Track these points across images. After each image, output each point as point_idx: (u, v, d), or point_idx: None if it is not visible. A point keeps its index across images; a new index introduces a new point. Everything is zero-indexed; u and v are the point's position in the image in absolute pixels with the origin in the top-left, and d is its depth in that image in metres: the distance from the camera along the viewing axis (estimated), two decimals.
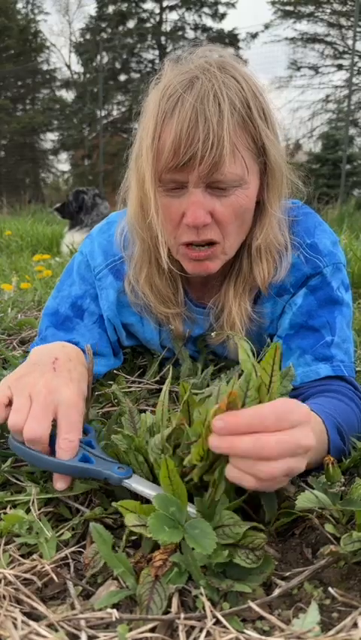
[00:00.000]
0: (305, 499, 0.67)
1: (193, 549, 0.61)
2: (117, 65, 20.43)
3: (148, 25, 20.41)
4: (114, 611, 0.56)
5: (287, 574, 0.65)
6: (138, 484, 0.72)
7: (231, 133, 0.85)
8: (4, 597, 0.60)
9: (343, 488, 0.76)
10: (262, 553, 0.63)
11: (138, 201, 0.98)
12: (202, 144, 0.84)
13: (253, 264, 1.02)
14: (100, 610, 0.58)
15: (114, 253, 1.09)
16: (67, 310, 1.09)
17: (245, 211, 0.94)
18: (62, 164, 22.80)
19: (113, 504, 0.68)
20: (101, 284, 1.09)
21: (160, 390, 1.12)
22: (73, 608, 0.59)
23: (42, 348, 0.92)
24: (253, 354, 1.08)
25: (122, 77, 20.73)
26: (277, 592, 0.61)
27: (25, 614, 0.58)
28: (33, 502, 0.76)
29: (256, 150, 0.92)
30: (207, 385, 1.14)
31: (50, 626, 0.56)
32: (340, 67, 18.25)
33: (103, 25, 21.06)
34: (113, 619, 0.55)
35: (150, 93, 0.95)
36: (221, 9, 20.09)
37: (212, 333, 1.11)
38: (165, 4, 20.24)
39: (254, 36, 19.24)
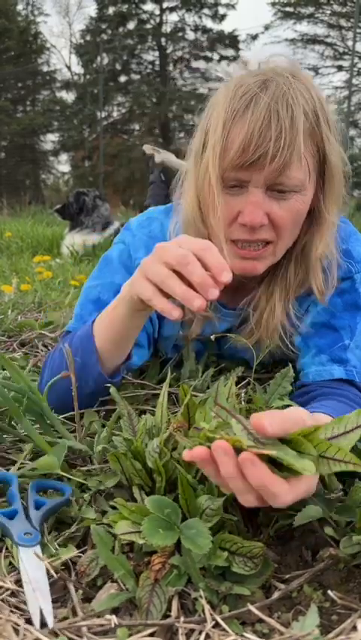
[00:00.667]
0: (303, 516, 0.67)
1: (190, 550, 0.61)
2: (117, 66, 20.45)
3: (148, 26, 20.44)
4: (113, 617, 0.56)
5: (287, 576, 0.65)
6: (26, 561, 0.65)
7: (300, 137, 0.86)
8: (3, 601, 0.60)
9: (340, 494, 0.76)
10: (260, 560, 0.63)
11: (195, 197, 0.98)
12: (273, 144, 0.84)
13: (309, 272, 1.01)
14: (100, 613, 0.58)
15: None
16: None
17: (301, 217, 0.94)
18: (63, 165, 22.88)
19: (109, 518, 0.68)
20: None
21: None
22: (74, 612, 0.59)
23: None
24: None
25: (123, 78, 20.76)
26: (276, 595, 0.61)
27: (26, 620, 0.58)
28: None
29: (318, 158, 0.92)
30: (208, 387, 1.14)
31: (51, 631, 0.56)
32: (340, 68, 18.26)
33: (103, 26, 21.09)
34: (113, 625, 0.55)
35: (218, 91, 0.95)
36: (221, 10, 20.14)
37: (232, 336, 1.11)
38: (165, 5, 20.27)
39: (254, 37, 19.29)
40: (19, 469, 0.87)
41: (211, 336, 1.11)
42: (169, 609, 0.59)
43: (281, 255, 0.99)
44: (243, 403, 1.07)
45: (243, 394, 1.12)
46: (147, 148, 4.72)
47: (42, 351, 1.58)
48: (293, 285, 1.04)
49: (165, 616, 0.58)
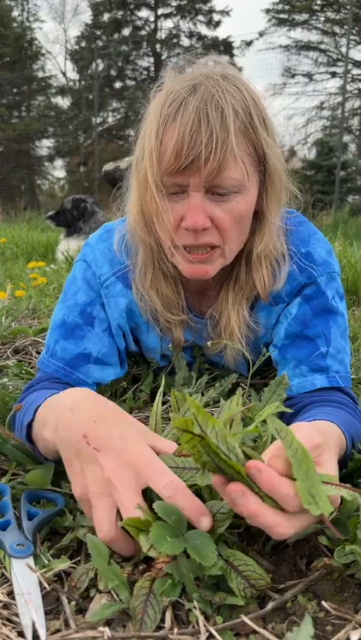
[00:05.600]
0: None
1: (189, 558, 0.61)
2: (112, 73, 20.48)
3: (143, 32, 20.50)
4: (106, 629, 0.55)
5: (281, 586, 0.65)
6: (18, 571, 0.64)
7: (233, 137, 0.86)
8: None
9: None
10: (258, 594, 0.62)
11: (138, 206, 0.98)
12: (205, 147, 0.84)
13: (253, 272, 1.02)
14: (93, 625, 0.57)
15: (120, 261, 1.08)
16: (76, 318, 1.07)
17: (244, 217, 0.94)
18: (58, 170, 22.84)
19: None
20: (109, 292, 1.08)
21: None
22: (66, 624, 0.58)
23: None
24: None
25: (118, 84, 20.79)
26: (270, 605, 0.60)
27: (18, 633, 0.57)
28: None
29: (257, 158, 0.93)
30: (202, 394, 1.14)
31: None
32: (333, 74, 18.37)
33: (98, 32, 21.13)
34: (106, 637, 0.54)
35: (151, 100, 0.95)
36: (216, 17, 20.22)
37: (208, 343, 1.11)
38: (159, 12, 20.34)
39: (249, 44, 19.34)
40: (10, 480, 0.86)
41: (208, 343, 1.11)
42: (163, 620, 0.59)
43: (232, 258, 0.99)
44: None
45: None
46: (108, 166, 4.77)
47: (36, 358, 1.58)
48: (245, 287, 1.04)
49: (159, 627, 0.58)
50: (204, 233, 0.91)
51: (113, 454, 0.67)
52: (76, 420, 0.72)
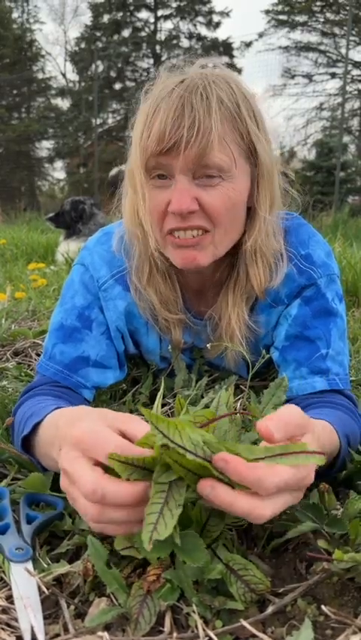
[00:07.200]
0: (295, 531, 0.68)
1: (185, 562, 0.61)
2: (112, 74, 20.51)
3: (143, 34, 20.51)
4: (105, 634, 0.55)
5: (281, 590, 0.65)
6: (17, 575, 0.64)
7: (217, 122, 0.87)
8: None
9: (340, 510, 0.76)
10: (258, 598, 0.62)
11: (131, 202, 0.99)
12: (187, 130, 0.86)
13: (248, 268, 1.02)
14: (92, 629, 0.57)
15: (119, 264, 1.08)
16: (74, 322, 1.06)
17: (234, 205, 0.94)
18: (58, 172, 22.86)
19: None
20: (107, 295, 1.08)
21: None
22: (65, 628, 0.58)
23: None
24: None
25: (118, 86, 20.81)
26: (270, 609, 0.60)
27: (17, 637, 0.57)
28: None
29: (246, 149, 0.93)
30: (202, 397, 1.14)
31: None
32: (333, 75, 18.39)
33: (98, 34, 21.15)
34: None
35: (142, 99, 0.97)
36: (215, 18, 20.24)
37: (208, 345, 1.11)
38: (159, 13, 20.37)
39: (248, 45, 19.35)
40: (9, 484, 0.86)
41: (207, 345, 1.11)
42: (162, 624, 0.59)
43: (224, 249, 0.98)
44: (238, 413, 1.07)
45: (238, 404, 1.12)
46: (112, 172, 4.75)
47: (36, 360, 1.57)
48: (243, 287, 1.04)
49: (159, 631, 0.58)
50: (192, 216, 0.91)
51: (65, 443, 0.65)
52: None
